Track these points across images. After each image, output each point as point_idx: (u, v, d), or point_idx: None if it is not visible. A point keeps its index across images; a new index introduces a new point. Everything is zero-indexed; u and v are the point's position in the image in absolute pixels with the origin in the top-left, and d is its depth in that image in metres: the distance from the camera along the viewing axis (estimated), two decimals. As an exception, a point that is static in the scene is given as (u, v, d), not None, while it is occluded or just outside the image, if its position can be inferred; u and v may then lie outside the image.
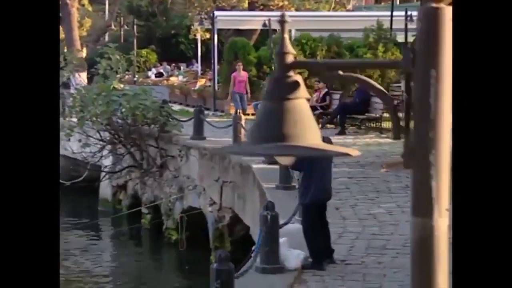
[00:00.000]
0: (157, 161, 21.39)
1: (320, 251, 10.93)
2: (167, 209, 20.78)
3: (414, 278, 2.70)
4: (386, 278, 10.14)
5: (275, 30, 26.97)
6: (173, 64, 41.39)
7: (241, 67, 26.30)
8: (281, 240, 11.06)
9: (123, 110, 20.72)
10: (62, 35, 34.65)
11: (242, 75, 26.17)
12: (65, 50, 32.41)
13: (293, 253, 10.91)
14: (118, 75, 22.15)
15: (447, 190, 2.80)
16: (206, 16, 32.31)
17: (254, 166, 16.11)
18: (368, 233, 12.07)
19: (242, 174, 16.82)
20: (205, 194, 19.18)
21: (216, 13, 29.10)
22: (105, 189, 24.29)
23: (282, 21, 2.93)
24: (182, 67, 42.37)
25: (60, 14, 31.66)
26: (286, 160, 4.43)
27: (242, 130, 18.35)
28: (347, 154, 2.88)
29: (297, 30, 29.63)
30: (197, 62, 39.15)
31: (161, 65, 41.98)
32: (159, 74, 35.96)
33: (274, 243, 10.74)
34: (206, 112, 25.99)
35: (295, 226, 11.77)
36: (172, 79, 34.99)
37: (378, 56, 27.00)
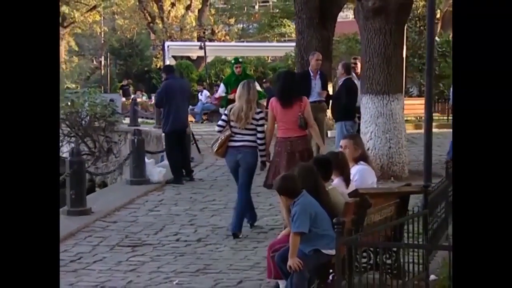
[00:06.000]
0: (105, 148, 22.13)
1: (178, 169, 11.71)
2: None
3: None
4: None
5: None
6: (141, 91, 42.21)
7: None
8: (148, 160, 11.88)
9: (79, 109, 21.46)
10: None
11: None
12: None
13: (157, 169, 11.71)
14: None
15: None
16: (161, 46, 33.33)
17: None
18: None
19: (157, 144, 17.62)
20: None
21: (167, 43, 30.11)
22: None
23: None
24: (153, 97, 43.19)
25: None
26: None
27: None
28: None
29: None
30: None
31: (135, 93, 42.83)
32: (125, 94, 37.30)
33: (140, 161, 11.56)
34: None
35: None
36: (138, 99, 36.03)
37: (295, 75, 28.42)
